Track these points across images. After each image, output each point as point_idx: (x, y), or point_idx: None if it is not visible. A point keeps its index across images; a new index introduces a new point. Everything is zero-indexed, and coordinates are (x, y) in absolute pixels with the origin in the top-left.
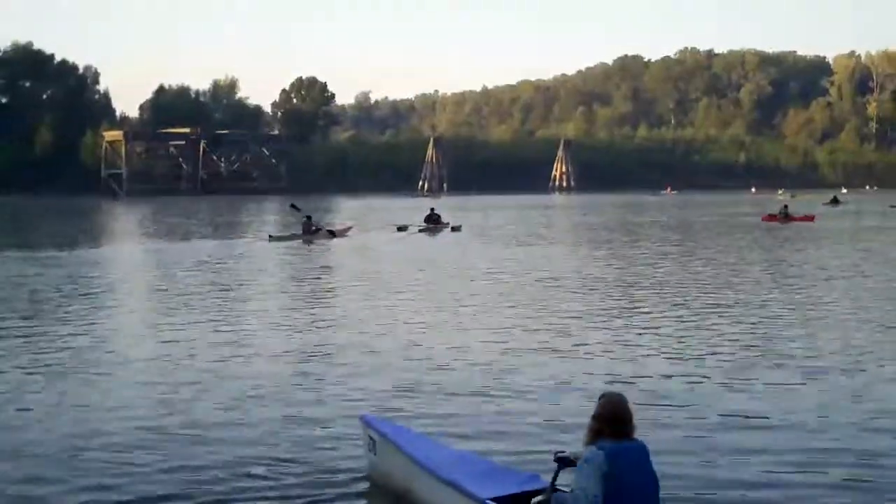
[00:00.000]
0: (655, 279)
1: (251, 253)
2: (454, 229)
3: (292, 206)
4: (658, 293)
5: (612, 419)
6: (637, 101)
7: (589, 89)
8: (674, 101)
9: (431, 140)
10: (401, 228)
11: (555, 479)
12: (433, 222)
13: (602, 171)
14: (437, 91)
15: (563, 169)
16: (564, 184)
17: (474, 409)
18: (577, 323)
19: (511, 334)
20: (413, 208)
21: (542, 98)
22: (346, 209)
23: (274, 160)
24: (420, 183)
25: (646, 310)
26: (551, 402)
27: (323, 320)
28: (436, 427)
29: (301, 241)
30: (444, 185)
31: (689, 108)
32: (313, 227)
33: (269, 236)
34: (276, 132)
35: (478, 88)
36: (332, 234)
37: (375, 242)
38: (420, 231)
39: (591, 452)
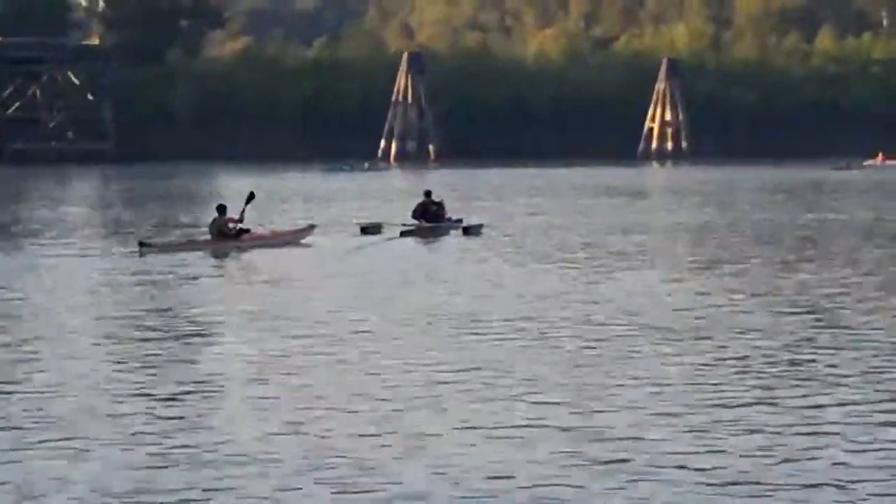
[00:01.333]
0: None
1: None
2: (468, 231)
3: (250, 196)
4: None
5: None
6: None
7: None
8: None
9: (405, 58)
10: (368, 230)
11: None
12: (430, 218)
13: (744, 120)
14: None
15: (668, 116)
16: (669, 144)
17: None
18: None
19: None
20: (371, 193)
21: None
22: (229, 192)
23: (91, 95)
24: (382, 143)
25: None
26: None
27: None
28: None
29: (201, 250)
30: (431, 147)
31: None
32: (232, 226)
33: (141, 245)
34: (95, 42)
35: None
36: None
37: (314, 259)
38: (405, 234)
39: None
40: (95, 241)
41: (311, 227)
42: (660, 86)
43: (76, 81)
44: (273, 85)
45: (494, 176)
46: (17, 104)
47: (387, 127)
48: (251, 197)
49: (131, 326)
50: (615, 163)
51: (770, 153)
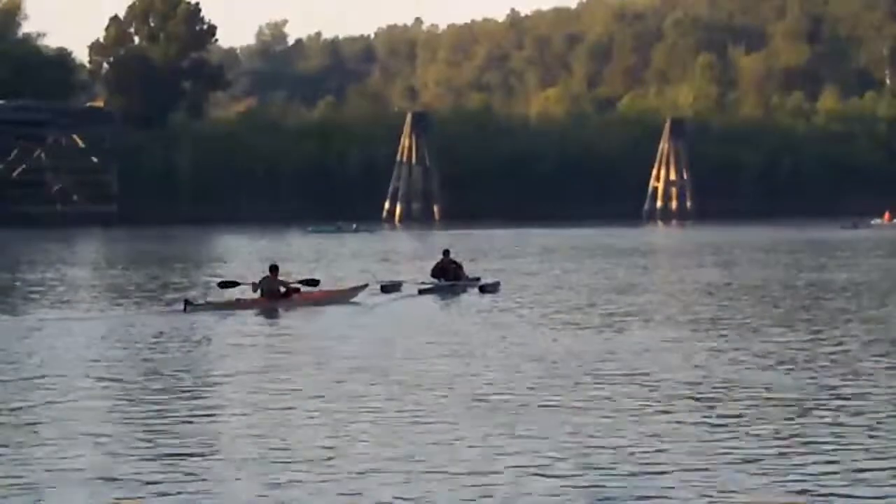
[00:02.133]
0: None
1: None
2: (485, 290)
3: (314, 282)
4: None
5: None
6: (817, 41)
7: (722, 18)
8: (890, 44)
9: (409, 119)
10: (388, 288)
11: None
12: (449, 276)
13: (749, 179)
14: (418, 21)
15: (671, 175)
16: (674, 204)
17: None
18: None
19: None
20: (379, 254)
21: (628, 33)
22: (231, 254)
23: (95, 158)
24: (387, 204)
25: None
26: None
27: None
28: None
29: (249, 309)
30: (436, 207)
31: None
32: (281, 286)
33: (187, 303)
34: (100, 104)
35: (499, 16)
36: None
37: (337, 316)
38: (424, 293)
39: None
40: (113, 302)
41: (364, 285)
42: (664, 145)
43: (81, 144)
44: (276, 147)
45: (500, 237)
46: (22, 167)
47: (391, 188)
48: (314, 282)
49: (136, 386)
50: (620, 223)
51: (776, 213)
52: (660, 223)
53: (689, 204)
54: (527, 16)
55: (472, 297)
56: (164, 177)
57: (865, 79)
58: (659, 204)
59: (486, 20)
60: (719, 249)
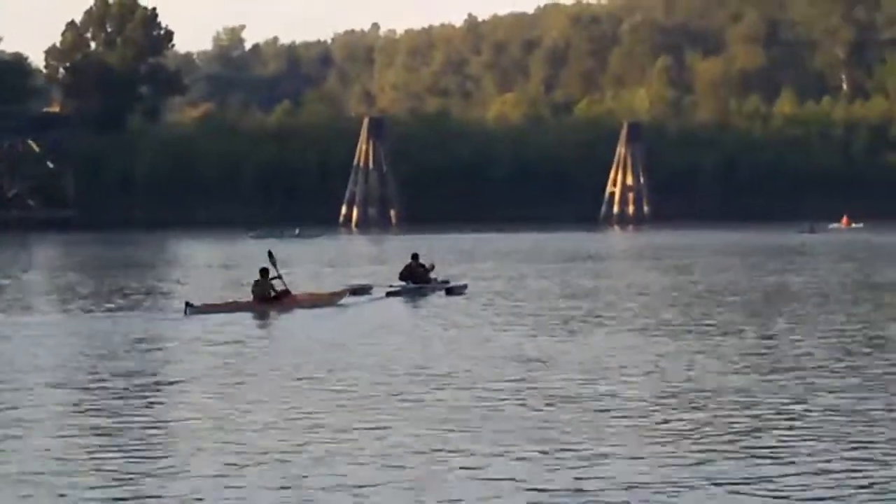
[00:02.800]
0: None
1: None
2: (451, 292)
3: (270, 254)
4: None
5: None
6: (773, 45)
7: (679, 23)
8: (846, 49)
9: (365, 123)
10: (358, 291)
11: None
12: (416, 279)
13: (706, 183)
14: (375, 27)
15: (628, 179)
16: (631, 208)
17: None
18: None
19: None
20: (327, 260)
21: (584, 38)
22: (185, 261)
23: (51, 163)
24: (344, 209)
25: None
26: None
27: None
28: None
29: (244, 311)
30: (392, 211)
31: (877, 54)
32: (270, 289)
33: (188, 305)
34: (56, 109)
35: (457, 21)
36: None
37: (304, 317)
38: (391, 294)
39: None
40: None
41: (346, 290)
42: (621, 150)
43: (36, 149)
44: (233, 151)
45: (457, 241)
46: None
47: (348, 193)
48: (270, 255)
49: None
50: (577, 227)
51: (733, 216)
52: (616, 227)
53: (645, 208)
54: (484, 21)
55: (439, 298)
56: (122, 181)
57: (822, 83)
58: (616, 208)
59: (443, 25)
60: (677, 253)
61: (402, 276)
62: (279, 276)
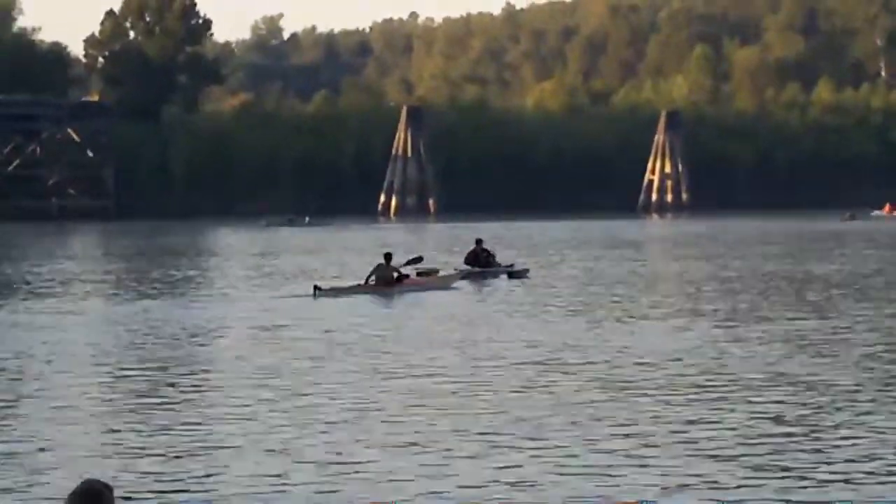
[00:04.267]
0: None
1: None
2: (514, 275)
3: (418, 259)
4: None
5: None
6: (811, 33)
7: (717, 11)
8: (885, 37)
9: (404, 112)
10: (422, 275)
11: None
12: (481, 263)
13: (744, 171)
14: (414, 15)
15: (666, 167)
16: (669, 197)
17: None
18: None
19: None
20: (377, 248)
21: (623, 26)
22: (223, 249)
23: (91, 152)
24: (382, 198)
25: None
26: None
27: None
28: None
29: (370, 294)
30: (431, 200)
31: None
32: (394, 272)
33: (316, 288)
34: (95, 98)
35: (495, 9)
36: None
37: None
38: (420, 276)
39: None
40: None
41: (458, 274)
42: (659, 138)
43: (76, 138)
44: (271, 140)
45: (498, 230)
46: (16, 162)
47: (386, 182)
48: (418, 260)
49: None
50: (615, 216)
51: (770, 205)
52: (655, 216)
53: (684, 196)
54: (522, 9)
55: (502, 282)
56: (160, 171)
57: (860, 71)
58: (654, 196)
59: (481, 14)
60: (729, 241)
61: (468, 261)
62: (415, 261)
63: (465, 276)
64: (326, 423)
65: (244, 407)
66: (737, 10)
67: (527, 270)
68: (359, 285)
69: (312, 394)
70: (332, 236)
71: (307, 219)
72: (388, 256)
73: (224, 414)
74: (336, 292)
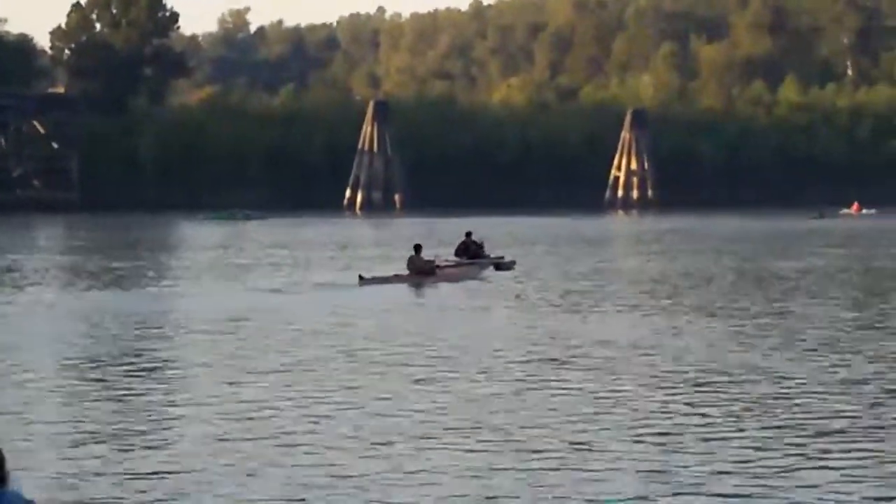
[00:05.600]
0: None
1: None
2: (500, 267)
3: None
4: None
5: None
6: (778, 31)
7: (684, 8)
8: (852, 36)
9: (371, 107)
10: (500, 265)
11: None
12: (471, 254)
13: (710, 169)
14: (381, 10)
15: (632, 164)
16: (635, 193)
17: None
18: None
19: None
20: (342, 243)
21: (590, 23)
22: (190, 242)
23: (56, 144)
24: (348, 192)
25: None
26: None
27: None
28: None
29: (407, 283)
30: (397, 195)
31: (883, 41)
32: (429, 260)
33: (360, 278)
34: (61, 90)
35: (462, 5)
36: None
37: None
38: (449, 267)
39: None
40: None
41: (490, 264)
42: (625, 135)
43: (41, 130)
44: (238, 133)
45: (465, 225)
46: None
47: (352, 176)
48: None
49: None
50: (581, 212)
51: (737, 203)
52: (620, 212)
53: (649, 193)
54: (490, 5)
55: (490, 273)
56: (127, 163)
57: (827, 70)
58: (620, 193)
59: (448, 9)
60: (690, 239)
61: (458, 252)
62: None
63: (496, 265)
64: (307, 414)
65: (208, 396)
66: (704, 8)
67: (513, 262)
68: (397, 276)
69: (266, 385)
70: (313, 231)
71: (247, 213)
72: (417, 248)
73: (183, 399)
74: (377, 281)
